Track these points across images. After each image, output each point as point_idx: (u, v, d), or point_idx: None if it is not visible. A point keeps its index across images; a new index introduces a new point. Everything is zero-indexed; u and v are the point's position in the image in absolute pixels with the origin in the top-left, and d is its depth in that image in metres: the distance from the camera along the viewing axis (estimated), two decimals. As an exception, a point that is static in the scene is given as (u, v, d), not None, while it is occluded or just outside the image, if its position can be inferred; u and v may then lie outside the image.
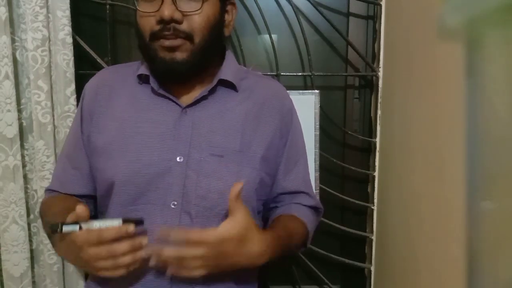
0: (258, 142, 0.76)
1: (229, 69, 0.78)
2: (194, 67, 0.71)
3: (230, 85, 0.77)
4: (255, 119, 0.77)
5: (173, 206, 0.70)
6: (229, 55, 0.81)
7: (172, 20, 0.67)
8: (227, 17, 0.77)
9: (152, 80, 0.75)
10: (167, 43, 0.68)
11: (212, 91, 0.75)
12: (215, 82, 0.75)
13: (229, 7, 0.76)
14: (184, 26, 0.68)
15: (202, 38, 0.70)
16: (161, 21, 0.67)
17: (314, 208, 0.86)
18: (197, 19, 0.69)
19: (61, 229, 0.60)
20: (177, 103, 0.74)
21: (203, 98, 0.75)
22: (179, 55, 0.69)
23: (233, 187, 0.64)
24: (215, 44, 0.74)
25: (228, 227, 0.62)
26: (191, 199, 0.70)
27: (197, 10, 0.68)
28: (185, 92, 0.76)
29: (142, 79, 0.77)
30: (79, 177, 0.80)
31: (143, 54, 0.73)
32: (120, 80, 0.79)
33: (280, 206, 0.84)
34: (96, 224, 0.61)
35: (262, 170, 0.76)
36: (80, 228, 0.60)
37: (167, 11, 0.66)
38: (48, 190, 0.83)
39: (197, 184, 0.71)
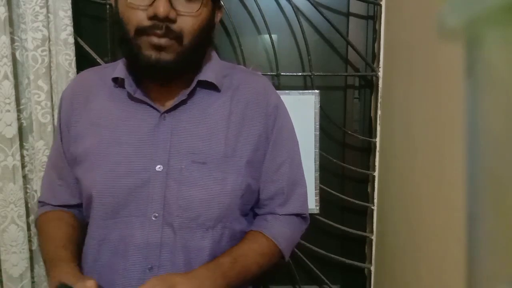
0: (243, 145, 0.71)
1: (209, 68, 0.73)
2: (179, 68, 0.67)
3: (211, 86, 0.72)
4: (239, 121, 0.72)
5: (154, 219, 0.67)
6: (211, 53, 0.76)
7: (167, 19, 0.62)
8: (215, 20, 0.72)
9: (127, 83, 0.70)
10: (155, 40, 0.63)
11: (191, 94, 0.71)
12: (193, 84, 0.70)
13: (216, 11, 0.72)
14: (175, 26, 0.64)
15: (191, 40, 0.66)
16: (154, 17, 0.62)
17: (294, 215, 0.79)
18: (190, 21, 0.65)
19: None
20: (155, 108, 0.70)
21: (182, 102, 0.70)
22: (166, 56, 0.64)
23: None
24: (203, 47, 0.70)
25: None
26: (173, 210, 0.67)
27: (193, 12, 0.64)
28: (163, 95, 0.72)
29: (118, 82, 0.72)
30: (66, 187, 0.77)
31: (124, 49, 0.68)
32: (96, 84, 0.75)
33: (258, 213, 0.79)
34: None
35: (248, 175, 0.71)
36: None
37: (162, 8, 0.61)
38: (40, 202, 0.82)
39: (178, 194, 0.67)
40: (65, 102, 0.76)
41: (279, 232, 0.76)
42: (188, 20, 0.65)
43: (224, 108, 0.72)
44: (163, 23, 0.63)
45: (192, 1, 0.64)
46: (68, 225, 0.75)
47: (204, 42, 0.70)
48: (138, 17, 0.63)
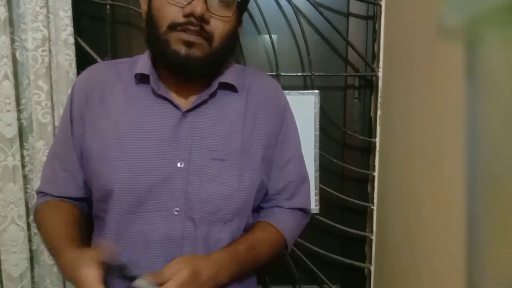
0: (257, 143, 0.75)
1: (228, 70, 0.76)
2: (204, 68, 0.69)
3: (229, 86, 0.75)
4: (253, 119, 0.76)
5: (176, 213, 0.69)
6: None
7: (202, 18, 0.65)
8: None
9: (152, 80, 0.72)
10: (187, 37, 0.66)
11: (211, 94, 0.74)
12: (216, 85, 0.73)
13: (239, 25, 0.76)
14: (208, 27, 0.66)
15: (219, 44, 0.68)
16: (190, 15, 0.64)
17: (298, 209, 0.84)
18: (222, 25, 0.68)
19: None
20: (176, 106, 0.72)
21: (203, 102, 0.73)
22: (195, 52, 0.67)
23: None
24: (227, 54, 0.73)
25: (180, 275, 0.62)
26: (194, 204, 0.69)
27: (226, 17, 0.68)
28: (183, 94, 0.74)
29: (139, 79, 0.73)
30: (70, 180, 0.77)
31: (151, 45, 0.71)
32: (114, 77, 0.76)
33: (264, 207, 0.82)
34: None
35: (261, 171, 0.75)
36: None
37: (200, 7, 0.64)
38: (40, 192, 0.81)
39: (199, 190, 0.69)
40: (78, 94, 0.76)
41: (286, 224, 0.81)
42: (219, 23, 0.68)
43: (240, 107, 0.75)
44: (197, 22, 0.65)
45: (225, 7, 0.68)
46: (65, 212, 0.76)
47: (228, 49, 0.73)
48: (174, 13, 0.66)
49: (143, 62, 0.74)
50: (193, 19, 0.65)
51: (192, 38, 0.66)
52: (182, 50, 0.66)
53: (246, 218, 0.76)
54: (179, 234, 0.69)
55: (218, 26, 0.67)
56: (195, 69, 0.68)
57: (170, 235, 0.69)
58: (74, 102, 0.76)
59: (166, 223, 0.69)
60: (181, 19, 0.65)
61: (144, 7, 0.72)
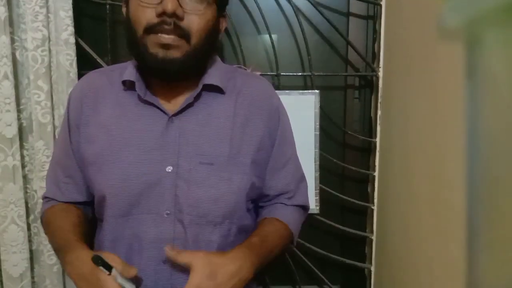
0: (247, 146, 0.75)
1: (214, 71, 0.76)
2: (185, 68, 0.69)
3: (216, 89, 0.75)
4: (243, 122, 0.75)
5: (166, 216, 0.70)
6: (214, 57, 0.79)
7: (174, 15, 0.65)
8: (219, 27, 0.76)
9: (138, 86, 0.72)
10: (162, 39, 0.66)
11: (197, 97, 0.73)
12: (199, 87, 0.73)
13: (221, 19, 0.75)
14: (184, 24, 0.66)
15: (198, 40, 0.68)
16: (163, 13, 0.64)
17: (299, 206, 0.86)
18: (197, 19, 0.67)
19: (100, 264, 0.62)
20: (163, 111, 0.72)
21: (189, 105, 0.73)
22: (173, 53, 0.67)
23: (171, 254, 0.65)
24: (208, 51, 0.73)
25: (195, 278, 0.63)
26: (183, 208, 0.70)
27: (199, 11, 0.67)
28: (171, 98, 0.74)
29: (127, 85, 0.74)
30: (73, 185, 0.79)
31: (131, 50, 0.71)
32: (105, 86, 0.77)
33: (266, 206, 0.84)
34: (121, 281, 0.63)
35: (252, 174, 0.75)
36: (109, 274, 0.62)
37: (171, 5, 0.64)
38: (46, 197, 0.82)
39: (188, 193, 0.70)
40: (74, 102, 0.78)
41: (291, 218, 0.82)
42: (194, 18, 0.67)
43: (229, 110, 0.75)
44: (171, 19, 0.65)
45: (199, 1, 0.67)
46: (74, 214, 0.78)
47: (209, 46, 0.72)
48: (148, 15, 0.66)
49: (130, 68, 0.75)
50: (166, 18, 0.65)
51: (169, 40, 0.66)
52: (160, 53, 0.67)
53: (238, 220, 0.76)
54: (170, 236, 0.70)
55: (193, 21, 0.67)
56: (174, 69, 0.68)
57: (161, 237, 0.70)
58: (70, 111, 0.78)
59: (158, 226, 0.70)
60: (155, 19, 0.65)
61: (124, 12, 0.73)
